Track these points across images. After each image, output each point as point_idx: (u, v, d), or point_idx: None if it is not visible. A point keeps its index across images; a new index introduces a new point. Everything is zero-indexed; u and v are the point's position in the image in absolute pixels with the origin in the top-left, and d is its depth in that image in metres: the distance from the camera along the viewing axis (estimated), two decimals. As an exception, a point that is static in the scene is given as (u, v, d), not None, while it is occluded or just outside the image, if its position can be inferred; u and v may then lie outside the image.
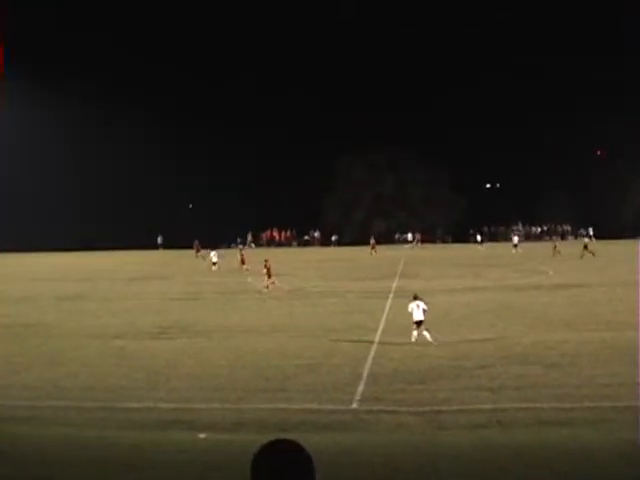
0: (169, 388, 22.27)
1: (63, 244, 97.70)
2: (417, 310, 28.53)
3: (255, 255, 61.79)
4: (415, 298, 29.24)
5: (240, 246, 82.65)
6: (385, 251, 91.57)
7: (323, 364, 25.18)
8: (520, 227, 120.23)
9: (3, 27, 64.41)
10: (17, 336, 32.60)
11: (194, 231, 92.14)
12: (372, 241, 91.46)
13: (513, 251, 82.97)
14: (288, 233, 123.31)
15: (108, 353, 28.04)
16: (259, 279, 50.94)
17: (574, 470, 14.40)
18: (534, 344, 27.45)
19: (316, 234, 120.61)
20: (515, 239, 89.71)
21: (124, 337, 31.61)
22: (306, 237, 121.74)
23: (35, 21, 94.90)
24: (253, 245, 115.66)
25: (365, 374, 23.50)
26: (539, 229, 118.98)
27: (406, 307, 29.33)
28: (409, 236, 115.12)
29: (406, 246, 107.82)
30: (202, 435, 17.57)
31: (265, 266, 49.62)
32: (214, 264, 67.14)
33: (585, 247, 72.70)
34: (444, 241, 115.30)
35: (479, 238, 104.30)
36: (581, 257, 70.03)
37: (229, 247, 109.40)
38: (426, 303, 29.20)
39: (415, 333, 28.41)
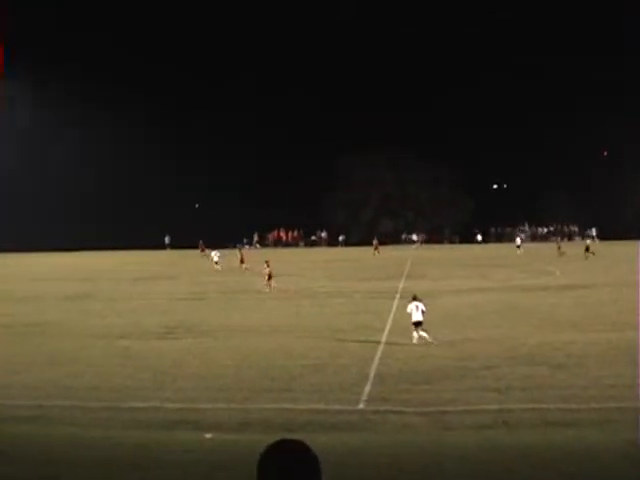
0: (175, 388, 22.28)
1: (68, 244, 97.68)
2: (416, 311, 28.65)
3: (260, 255, 61.76)
4: (414, 299, 29.33)
5: (239, 245, 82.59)
6: (391, 251, 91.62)
7: (329, 364, 25.19)
8: (526, 227, 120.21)
9: (3, 27, 64.49)
10: (22, 336, 32.65)
11: (201, 231, 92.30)
12: (375, 241, 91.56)
13: (518, 252, 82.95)
14: (295, 233, 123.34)
15: (113, 353, 28.07)
16: (259, 279, 50.94)
17: (580, 471, 14.39)
18: (540, 345, 27.42)
19: (323, 234, 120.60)
20: (518, 240, 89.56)
21: (129, 337, 31.64)
22: (313, 237, 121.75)
23: (35, 21, 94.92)
24: (258, 245, 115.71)
25: (372, 374, 23.49)
26: (545, 230, 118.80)
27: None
28: (414, 236, 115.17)
29: (413, 246, 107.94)
30: (208, 435, 17.58)
31: (266, 267, 49.67)
32: (216, 263, 67.44)
33: (587, 249, 72.80)
34: (451, 241, 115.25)
35: (479, 238, 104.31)
36: (586, 258, 70.10)
37: (235, 247, 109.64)
38: (425, 304, 29.28)
39: (415, 334, 28.48)
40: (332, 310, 39.28)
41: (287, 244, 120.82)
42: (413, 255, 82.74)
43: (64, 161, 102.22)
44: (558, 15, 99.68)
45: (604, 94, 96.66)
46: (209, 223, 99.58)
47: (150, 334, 32.46)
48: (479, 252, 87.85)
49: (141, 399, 20.96)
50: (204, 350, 28.45)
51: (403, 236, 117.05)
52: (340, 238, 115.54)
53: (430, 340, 28.08)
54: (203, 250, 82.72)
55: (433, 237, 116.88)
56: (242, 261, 64.96)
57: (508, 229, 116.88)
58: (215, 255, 68.78)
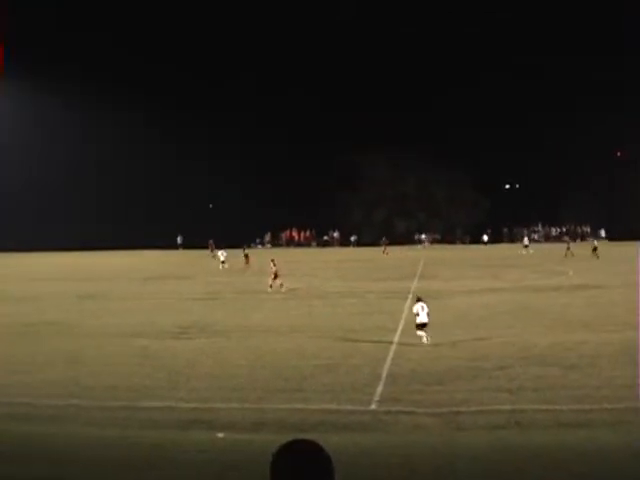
0: (189, 388, 22.38)
1: (82, 244, 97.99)
2: (422, 312, 28.68)
3: (270, 255, 61.74)
4: (419, 300, 29.37)
5: (245, 245, 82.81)
6: (404, 252, 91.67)
7: (342, 364, 25.24)
8: (540, 228, 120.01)
9: (3, 27, 64.73)
10: (38, 335, 32.82)
11: (214, 231, 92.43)
12: (385, 242, 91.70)
13: (523, 252, 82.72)
14: (307, 233, 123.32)
15: (130, 352, 28.19)
16: (264, 278, 51.06)
17: (592, 472, 14.43)
18: (553, 345, 27.43)
19: (335, 234, 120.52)
20: (526, 240, 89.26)
21: (145, 336, 31.75)
22: (325, 237, 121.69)
23: (35, 21, 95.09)
24: (269, 245, 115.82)
25: (384, 375, 23.53)
26: (558, 230, 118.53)
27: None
28: (423, 236, 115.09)
29: (419, 246, 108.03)
30: (221, 435, 17.67)
31: (272, 266, 49.81)
32: (222, 263, 67.71)
33: (594, 249, 72.89)
34: (462, 242, 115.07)
35: (485, 238, 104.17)
36: (598, 258, 70.22)
37: (248, 247, 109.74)
38: (428, 305, 29.28)
39: (421, 333, 28.55)
40: (344, 310, 39.31)
41: (299, 244, 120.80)
42: (426, 255, 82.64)
43: (67, 161, 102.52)
44: (558, 15, 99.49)
45: (613, 94, 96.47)
46: (222, 223, 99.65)
47: (164, 334, 32.56)
48: (491, 252, 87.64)
49: (157, 399, 21.06)
50: (217, 350, 28.55)
51: (416, 236, 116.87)
52: (352, 238, 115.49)
53: (425, 341, 28.19)
54: (213, 250, 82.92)
55: (446, 237, 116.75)
56: (247, 261, 65.42)
57: (521, 229, 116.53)
58: (222, 255, 69.14)
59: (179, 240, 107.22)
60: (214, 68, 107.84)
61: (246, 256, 66.52)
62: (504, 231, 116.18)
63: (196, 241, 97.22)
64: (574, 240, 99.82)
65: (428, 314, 28.84)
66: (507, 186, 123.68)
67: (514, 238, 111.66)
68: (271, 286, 48.82)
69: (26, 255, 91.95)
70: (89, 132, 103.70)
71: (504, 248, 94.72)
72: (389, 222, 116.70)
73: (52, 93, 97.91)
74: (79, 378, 23.84)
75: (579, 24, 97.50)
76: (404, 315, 35.81)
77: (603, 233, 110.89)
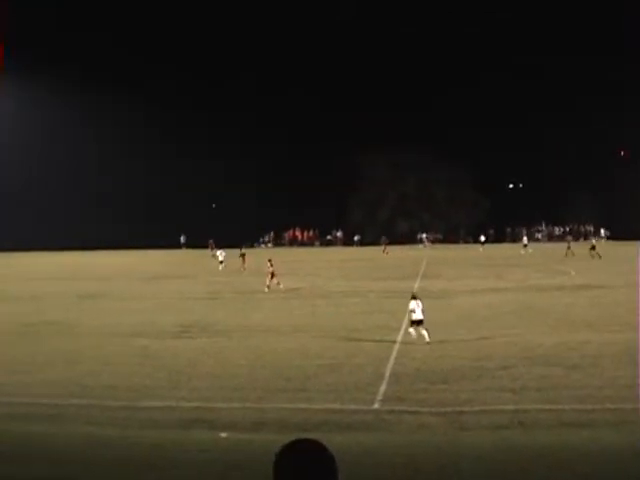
0: (190, 387, 22.32)
1: (84, 244, 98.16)
2: (418, 309, 28.67)
3: (272, 255, 61.54)
4: (414, 297, 29.36)
5: (243, 245, 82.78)
6: (407, 251, 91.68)
7: (345, 364, 25.18)
8: (543, 227, 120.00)
9: (3, 27, 64.76)
10: (39, 334, 32.80)
11: (217, 231, 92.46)
12: (385, 241, 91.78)
13: (522, 252, 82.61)
14: (311, 233, 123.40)
15: (130, 352, 28.14)
16: (264, 278, 51.03)
17: (595, 472, 14.37)
18: (556, 345, 27.36)
19: (338, 234, 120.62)
20: (525, 239, 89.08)
21: (146, 336, 31.70)
22: (328, 237, 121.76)
23: (35, 21, 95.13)
24: (270, 245, 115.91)
25: (387, 374, 23.47)
26: (561, 229, 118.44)
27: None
28: (424, 236, 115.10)
29: (420, 246, 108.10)
30: (223, 434, 17.60)
31: (269, 266, 49.74)
32: (220, 262, 67.86)
33: (593, 248, 72.85)
34: (466, 241, 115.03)
35: (482, 239, 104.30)
36: (592, 257, 70.23)
37: (252, 246, 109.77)
38: (423, 303, 29.24)
39: (413, 331, 28.56)
40: (347, 310, 39.26)
41: (303, 243, 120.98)
42: (429, 255, 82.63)
43: (67, 161, 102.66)
44: (558, 15, 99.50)
45: (613, 94, 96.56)
46: (225, 223, 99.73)
47: (165, 333, 32.52)
48: (493, 252, 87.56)
49: (157, 398, 21.00)
50: (219, 349, 28.49)
51: (418, 236, 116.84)
52: (355, 238, 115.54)
53: (428, 340, 28.22)
54: (213, 249, 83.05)
55: (448, 237, 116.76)
56: (244, 262, 65.65)
57: (523, 229, 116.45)
58: (220, 255, 69.27)
59: (182, 240, 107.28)
60: (214, 68, 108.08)
61: (242, 256, 66.62)
62: (507, 231, 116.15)
63: (199, 241, 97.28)
64: (577, 239, 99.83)
65: (423, 311, 28.82)
66: (510, 186, 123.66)
67: (516, 238, 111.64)
68: (268, 286, 48.75)
69: (26, 255, 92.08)
70: (89, 132, 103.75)
71: (504, 248, 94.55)
72: (392, 222, 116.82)
73: (52, 93, 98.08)
74: (79, 378, 23.78)
75: (579, 24, 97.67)
76: (407, 314, 35.74)
77: (603, 232, 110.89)
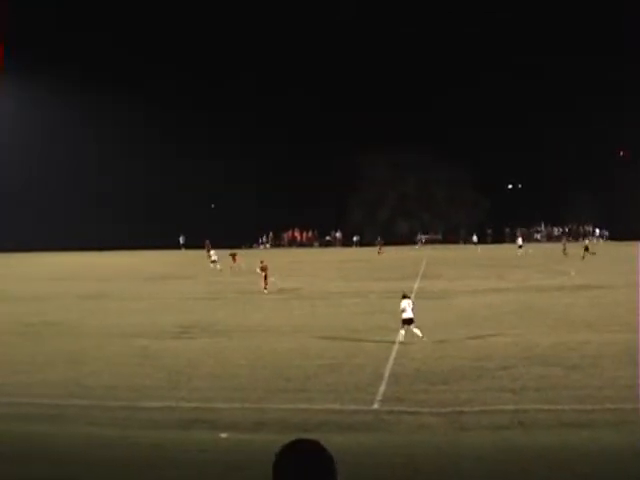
0: (190, 388, 22.35)
1: (84, 244, 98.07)
2: (408, 308, 28.78)
3: (271, 256, 61.49)
4: (405, 297, 29.49)
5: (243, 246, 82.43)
6: (402, 252, 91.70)
7: (345, 364, 25.20)
8: (543, 227, 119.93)
9: (3, 27, 64.78)
10: (39, 335, 32.84)
11: (216, 231, 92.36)
12: (380, 242, 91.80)
13: (518, 252, 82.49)
14: (310, 234, 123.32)
15: (130, 352, 28.17)
16: (253, 279, 51.12)
17: (595, 472, 14.39)
18: (556, 345, 27.38)
19: (337, 235, 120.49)
20: (520, 240, 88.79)
21: (146, 336, 31.74)
22: (327, 238, 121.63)
23: (35, 21, 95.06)
24: (268, 246, 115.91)
25: (387, 374, 23.50)
26: (560, 230, 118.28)
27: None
28: (420, 236, 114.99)
29: (416, 246, 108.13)
30: (223, 435, 17.63)
31: (261, 267, 49.85)
32: (213, 262, 68.24)
33: (586, 249, 72.76)
34: (466, 241, 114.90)
35: (475, 239, 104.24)
36: (583, 258, 70.05)
37: (251, 247, 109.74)
38: (413, 302, 29.52)
39: (403, 332, 28.68)
40: (347, 310, 39.29)
41: (302, 244, 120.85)
42: (428, 255, 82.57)
43: (67, 161, 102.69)
44: (558, 15, 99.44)
45: (613, 94, 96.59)
46: (224, 223, 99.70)
47: (166, 334, 32.55)
48: (494, 253, 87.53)
49: (157, 399, 21.04)
50: (219, 350, 28.52)
51: (417, 237, 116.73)
52: (354, 238, 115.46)
53: (420, 335, 28.52)
54: (209, 250, 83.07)
55: (449, 237, 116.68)
56: (234, 260, 66.03)
57: (523, 229, 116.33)
58: (213, 255, 69.53)
59: (181, 240, 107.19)
60: (214, 68, 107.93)
61: (232, 255, 66.89)
62: (506, 231, 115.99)
63: (199, 241, 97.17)
64: (576, 239, 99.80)
65: (414, 310, 29.03)
66: (510, 186, 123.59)
67: (514, 238, 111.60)
68: (265, 287, 48.81)
69: (26, 255, 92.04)
70: (89, 132, 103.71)
71: (503, 248, 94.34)
72: (392, 222, 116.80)
73: (52, 93, 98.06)
74: (80, 378, 23.82)
75: (579, 24, 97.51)
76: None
77: (598, 232, 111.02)
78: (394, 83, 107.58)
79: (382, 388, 21.72)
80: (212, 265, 67.54)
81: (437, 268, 64.75)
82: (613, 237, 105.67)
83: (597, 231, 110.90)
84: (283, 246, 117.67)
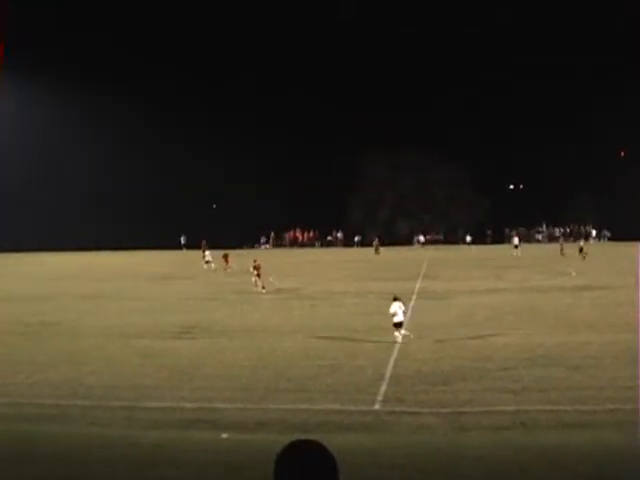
0: (192, 388, 22.34)
1: (85, 244, 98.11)
2: (399, 311, 28.87)
3: (273, 256, 61.49)
4: (395, 299, 29.51)
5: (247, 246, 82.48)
6: (400, 252, 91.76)
7: (345, 365, 25.19)
8: (544, 228, 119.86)
9: (3, 27, 64.75)
10: (40, 335, 32.84)
11: (218, 231, 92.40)
12: (376, 242, 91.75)
13: (513, 252, 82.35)
14: (311, 233, 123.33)
15: (131, 352, 28.17)
16: (244, 279, 51.18)
17: (596, 472, 14.37)
18: (557, 346, 27.36)
19: (339, 235, 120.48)
20: (516, 240, 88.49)
21: (147, 337, 31.77)
22: (329, 238, 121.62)
23: (35, 21, 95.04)
24: (267, 246, 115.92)
25: (387, 375, 23.48)
26: (561, 230, 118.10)
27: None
28: (421, 237, 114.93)
29: (414, 247, 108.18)
30: (224, 435, 17.63)
31: (254, 267, 49.90)
32: (207, 263, 68.62)
33: (580, 250, 72.60)
34: (461, 242, 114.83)
35: (469, 239, 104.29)
36: (583, 259, 69.88)
37: (252, 247, 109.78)
38: (404, 304, 29.81)
39: (397, 333, 28.71)
40: (348, 310, 39.29)
41: (303, 244, 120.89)
42: (430, 256, 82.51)
43: (67, 161, 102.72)
44: (558, 15, 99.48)
45: (613, 94, 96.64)
46: (226, 223, 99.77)
47: (167, 334, 32.56)
48: (490, 253, 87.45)
49: (159, 399, 21.05)
50: (220, 350, 28.51)
51: (415, 237, 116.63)
52: (356, 238, 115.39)
53: (408, 333, 28.76)
54: (205, 250, 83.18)
55: (448, 238, 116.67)
56: (226, 261, 66.28)
57: (522, 229, 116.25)
58: (208, 255, 69.89)
59: (182, 240, 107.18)
60: (214, 68, 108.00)
61: (225, 256, 67.05)
62: (506, 231, 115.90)
63: (200, 241, 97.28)
64: (577, 240, 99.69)
65: (405, 313, 29.13)
66: (511, 186, 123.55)
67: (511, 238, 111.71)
68: (264, 287, 48.85)
69: (27, 255, 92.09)
70: (89, 132, 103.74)
71: (504, 249, 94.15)
72: (392, 222, 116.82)
73: (52, 93, 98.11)
74: (80, 378, 23.82)
75: (579, 24, 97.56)
76: (408, 315, 35.73)
77: (594, 233, 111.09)
78: (394, 83, 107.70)
79: (382, 388, 21.71)
80: (206, 266, 67.76)
81: (438, 268, 64.70)
82: (614, 237, 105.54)
83: (594, 232, 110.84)
84: (285, 246, 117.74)
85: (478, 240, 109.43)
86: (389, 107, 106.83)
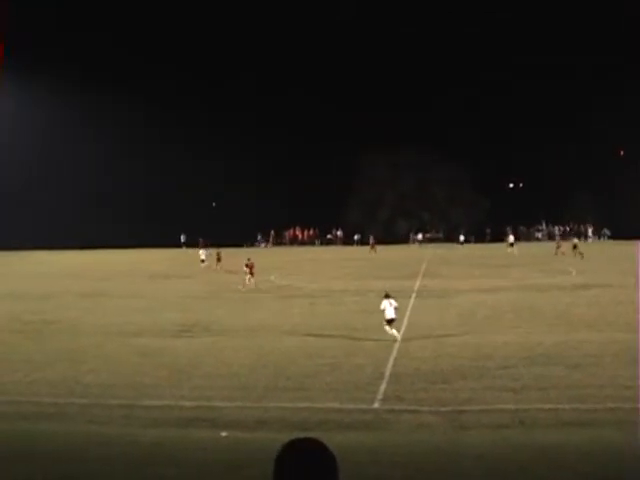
0: (191, 386, 22.32)
1: (84, 242, 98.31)
2: (390, 308, 29.01)
3: (272, 254, 61.51)
4: (387, 296, 29.54)
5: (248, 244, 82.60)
6: (396, 251, 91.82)
7: (345, 363, 25.18)
8: (544, 227, 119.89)
9: (3, 27, 64.76)
10: (39, 333, 32.83)
11: (218, 230, 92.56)
12: (372, 241, 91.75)
13: (508, 250, 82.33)
14: (311, 232, 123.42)
15: (130, 351, 28.16)
16: (262, 278, 51.23)
17: (596, 471, 14.34)
18: (556, 344, 27.34)
19: (339, 233, 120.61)
20: (511, 238, 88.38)
21: (146, 335, 31.77)
22: (329, 236, 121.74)
23: (35, 21, 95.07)
24: (264, 245, 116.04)
25: (387, 373, 23.47)
26: (561, 229, 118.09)
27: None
28: (419, 236, 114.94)
29: (415, 245, 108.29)
30: (224, 433, 17.60)
31: (247, 265, 50.12)
32: (202, 261, 69.11)
33: (574, 247, 72.58)
34: (467, 241, 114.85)
35: (462, 238, 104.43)
36: (581, 257, 69.75)
37: (252, 245, 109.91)
38: (397, 301, 29.74)
39: (388, 329, 28.82)
40: (347, 309, 39.30)
41: (303, 242, 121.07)
42: (430, 254, 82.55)
43: (67, 161, 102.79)
44: (558, 15, 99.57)
45: (613, 94, 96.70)
46: (225, 222, 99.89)
47: (166, 332, 32.55)
48: (489, 252, 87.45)
49: (157, 397, 21.03)
50: (220, 348, 28.50)
51: (412, 236, 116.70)
52: (355, 237, 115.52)
53: (397, 336, 28.75)
54: (200, 249, 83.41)
55: (449, 237, 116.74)
56: (219, 260, 66.86)
57: (522, 228, 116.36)
58: (202, 254, 70.56)
59: (182, 239, 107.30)
60: (214, 68, 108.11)
61: (217, 255, 67.33)
62: (505, 230, 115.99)
63: (200, 240, 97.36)
64: (578, 238, 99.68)
65: (396, 309, 29.27)
66: (511, 185, 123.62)
67: (519, 237, 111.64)
68: (249, 282, 49.26)
69: (26, 254, 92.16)
70: (89, 132, 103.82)
71: (502, 247, 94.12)
72: (392, 221, 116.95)
73: (52, 93, 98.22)
74: (79, 376, 23.81)
75: (579, 24, 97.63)
76: (408, 314, 35.76)
77: (590, 231, 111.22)
78: (394, 83, 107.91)
79: (382, 387, 21.69)
80: (201, 264, 68.13)
81: (438, 267, 64.75)
82: (615, 236, 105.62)
83: (590, 230, 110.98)
84: (284, 244, 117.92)
85: (478, 239, 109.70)
86: (389, 107, 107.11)
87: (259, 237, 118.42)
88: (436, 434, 17.61)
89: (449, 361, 25.13)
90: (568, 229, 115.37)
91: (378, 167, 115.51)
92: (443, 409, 19.34)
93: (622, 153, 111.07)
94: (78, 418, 19.25)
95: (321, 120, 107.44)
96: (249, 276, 49.81)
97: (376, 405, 19.99)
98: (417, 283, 50.39)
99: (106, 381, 23.09)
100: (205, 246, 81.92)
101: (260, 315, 37.55)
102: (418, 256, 79.69)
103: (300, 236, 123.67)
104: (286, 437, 4.11)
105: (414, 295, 43.43)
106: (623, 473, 14.20)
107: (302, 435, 4.15)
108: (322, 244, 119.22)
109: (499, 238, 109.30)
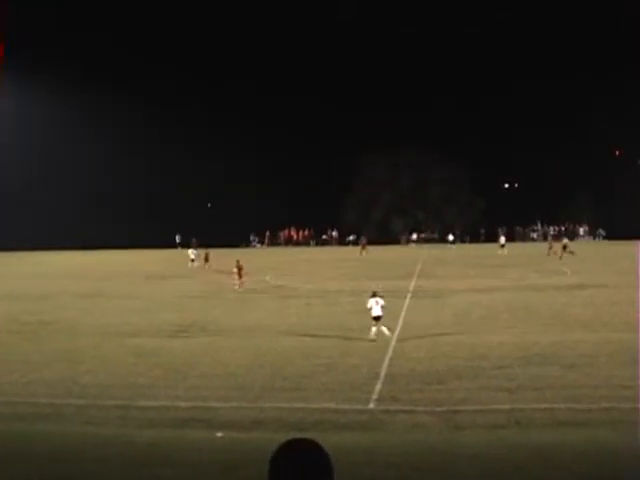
0: (187, 386, 22.35)
1: (82, 243, 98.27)
2: (376, 306, 29.41)
3: (267, 254, 61.38)
4: (374, 295, 29.76)
5: (247, 244, 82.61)
6: (386, 251, 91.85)
7: (340, 363, 25.21)
8: (539, 227, 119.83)
9: (3, 27, 64.75)
10: (36, 334, 32.84)
11: (213, 230, 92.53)
12: (363, 241, 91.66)
13: (499, 251, 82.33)
14: (306, 232, 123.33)
15: (127, 351, 28.16)
16: (227, 278, 51.30)
17: (591, 471, 14.38)
18: (552, 344, 27.38)
19: (334, 233, 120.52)
20: (502, 239, 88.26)
21: (143, 335, 31.79)
22: (324, 236, 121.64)
23: (35, 21, 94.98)
24: (258, 245, 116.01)
25: (382, 374, 23.50)
26: (556, 229, 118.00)
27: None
28: (413, 236, 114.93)
29: (411, 245, 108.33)
30: (219, 434, 17.63)
31: (236, 266, 50.33)
32: (192, 261, 69.56)
33: (564, 247, 72.57)
34: (462, 241, 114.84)
35: (451, 238, 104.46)
36: (560, 258, 69.68)
37: (247, 246, 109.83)
38: (384, 299, 30.10)
39: (374, 329, 29.01)
40: (343, 309, 39.27)
41: (298, 243, 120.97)
42: (425, 254, 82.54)
43: (67, 161, 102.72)
44: (558, 15, 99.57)
45: (613, 94, 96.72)
46: (221, 222, 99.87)
47: (163, 332, 32.57)
48: (490, 252, 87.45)
49: (153, 397, 21.06)
50: (216, 349, 28.51)
51: (404, 236, 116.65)
52: (350, 237, 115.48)
53: (388, 334, 29.10)
54: (196, 249, 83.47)
55: (444, 237, 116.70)
56: (207, 260, 67.62)
57: (518, 228, 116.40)
58: (192, 253, 71.39)
59: (178, 239, 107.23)
60: (214, 68, 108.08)
61: (206, 255, 67.66)
62: (498, 231, 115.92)
63: (193, 240, 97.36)
64: (572, 239, 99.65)
65: (383, 307, 29.57)
66: (506, 185, 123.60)
67: (511, 238, 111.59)
68: (240, 285, 49.59)
69: (25, 254, 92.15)
70: (89, 132, 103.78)
71: (481, 248, 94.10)
72: (387, 221, 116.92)
73: (52, 93, 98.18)
74: (76, 377, 23.82)
75: (579, 24, 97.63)
76: (403, 314, 35.81)
77: (582, 232, 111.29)
78: (394, 83, 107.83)
79: (378, 387, 21.73)
80: (190, 264, 68.49)
81: (433, 267, 64.73)
82: (610, 236, 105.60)
83: (581, 230, 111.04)
84: (279, 245, 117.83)
85: (473, 239, 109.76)
86: (389, 107, 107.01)
87: (252, 237, 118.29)
88: (431, 434, 17.65)
89: (444, 361, 25.16)
90: (563, 229, 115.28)
91: (378, 167, 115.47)
92: (438, 409, 19.38)
93: (618, 153, 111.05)
94: (74, 419, 19.28)
95: (321, 120, 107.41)
96: (237, 277, 49.98)
97: (371, 405, 20.03)
98: (412, 283, 50.40)
99: (103, 382, 23.11)
100: (197, 246, 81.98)
101: (256, 315, 37.56)
102: (413, 256, 79.69)
103: (295, 236, 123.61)
104: (282, 437, 4.15)
105: (409, 295, 43.45)
106: (618, 473, 14.25)
107: (298, 435, 4.19)
108: (317, 245, 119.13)
109: (493, 239, 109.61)
